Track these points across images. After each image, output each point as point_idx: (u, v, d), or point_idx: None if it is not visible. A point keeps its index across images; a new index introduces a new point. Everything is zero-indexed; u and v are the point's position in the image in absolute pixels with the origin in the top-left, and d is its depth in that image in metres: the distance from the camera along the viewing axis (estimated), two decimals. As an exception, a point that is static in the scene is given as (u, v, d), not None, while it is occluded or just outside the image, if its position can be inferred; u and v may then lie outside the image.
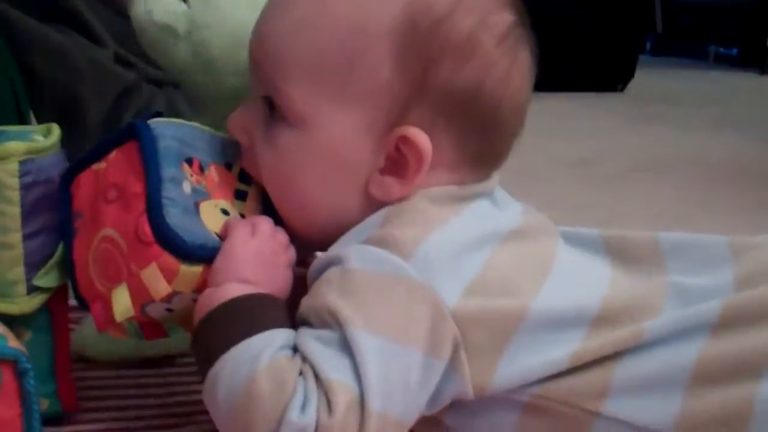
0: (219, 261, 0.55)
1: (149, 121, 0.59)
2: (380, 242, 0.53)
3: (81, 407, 0.69)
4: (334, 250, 0.56)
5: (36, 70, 0.99)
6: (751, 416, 0.50)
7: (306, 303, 0.54)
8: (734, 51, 3.88)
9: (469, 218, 0.57)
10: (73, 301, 0.63)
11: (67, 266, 0.61)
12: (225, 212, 0.59)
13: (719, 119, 2.33)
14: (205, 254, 0.56)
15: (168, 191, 0.56)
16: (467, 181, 0.58)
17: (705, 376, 0.51)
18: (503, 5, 0.58)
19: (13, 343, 0.56)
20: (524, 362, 0.53)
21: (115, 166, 0.59)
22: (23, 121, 0.90)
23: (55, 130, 0.64)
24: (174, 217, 0.55)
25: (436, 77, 0.55)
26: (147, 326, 0.61)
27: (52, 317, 0.65)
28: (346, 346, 0.50)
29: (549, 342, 0.53)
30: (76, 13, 1.02)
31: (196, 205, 0.57)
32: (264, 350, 0.50)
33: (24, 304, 0.63)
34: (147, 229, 0.55)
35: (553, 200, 1.44)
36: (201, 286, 0.56)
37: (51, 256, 0.63)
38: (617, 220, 1.34)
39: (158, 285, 0.55)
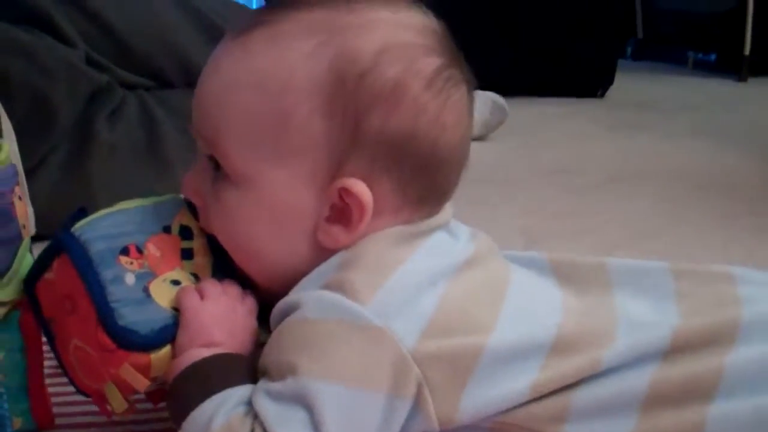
0: (179, 333, 0.57)
1: (74, 229, 0.60)
2: (338, 288, 0.54)
3: (56, 423, 0.69)
4: (293, 295, 0.57)
5: (6, 71, 0.98)
6: None
7: (265, 354, 0.55)
8: (712, 57, 3.91)
9: (425, 255, 0.58)
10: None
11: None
12: (176, 282, 0.60)
13: (697, 126, 2.35)
14: (169, 334, 0.58)
15: (113, 295, 0.57)
16: (414, 221, 0.59)
17: (658, 399, 0.54)
18: (429, 51, 0.59)
19: None
20: (486, 395, 0.54)
21: (60, 278, 0.60)
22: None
23: (5, 146, 0.63)
24: (127, 316, 0.57)
25: (368, 127, 0.57)
26: (150, 396, 0.63)
27: (24, 335, 0.65)
28: (302, 399, 0.51)
29: (508, 373, 0.54)
30: (45, 15, 1.02)
31: (146, 290, 0.59)
32: (217, 411, 0.52)
33: None
34: (106, 338, 0.57)
35: (531, 209, 1.45)
36: None
37: (8, 269, 0.62)
38: (593, 230, 1.34)
39: (137, 379, 0.57)
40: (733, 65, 3.44)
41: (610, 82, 2.88)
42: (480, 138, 2.02)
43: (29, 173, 1.04)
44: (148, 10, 1.16)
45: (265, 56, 0.58)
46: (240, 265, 0.61)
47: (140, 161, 1.08)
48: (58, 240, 0.60)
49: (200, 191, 0.61)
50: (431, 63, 0.59)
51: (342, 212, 0.58)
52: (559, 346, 0.55)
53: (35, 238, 1.12)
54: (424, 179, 0.59)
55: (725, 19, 3.50)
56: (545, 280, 0.62)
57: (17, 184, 0.63)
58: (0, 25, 0.91)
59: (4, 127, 0.85)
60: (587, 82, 2.86)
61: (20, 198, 0.64)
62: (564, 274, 0.62)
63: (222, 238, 0.61)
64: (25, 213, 0.65)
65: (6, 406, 0.56)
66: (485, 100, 2.03)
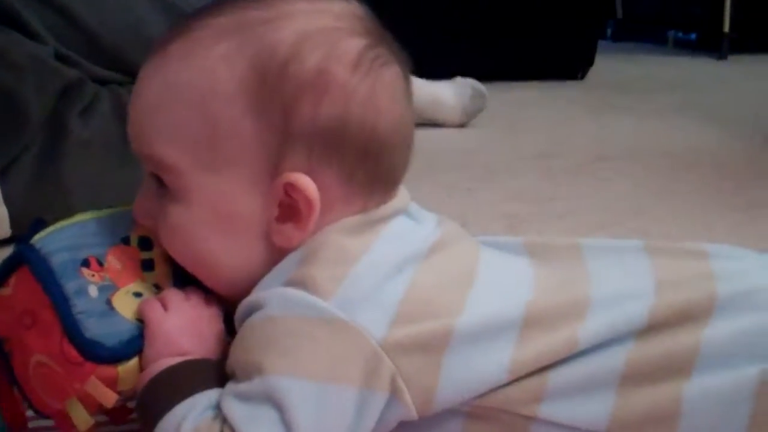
0: (145, 345, 0.57)
1: (33, 240, 0.59)
2: (300, 284, 0.53)
3: (29, 426, 0.68)
4: (255, 295, 0.56)
5: None
6: (680, 414, 0.52)
7: (231, 355, 0.54)
8: (693, 36, 3.91)
9: (387, 242, 0.57)
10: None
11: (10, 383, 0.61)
12: (138, 294, 0.59)
13: (678, 106, 2.35)
14: (135, 346, 0.57)
15: (77, 306, 0.56)
16: (369, 209, 0.58)
17: (634, 377, 0.53)
18: (350, 32, 0.58)
19: None
20: (463, 379, 0.53)
21: (19, 292, 0.58)
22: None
23: None
24: (92, 328, 0.56)
25: (299, 119, 0.56)
26: (113, 414, 0.62)
27: None
28: (270, 398, 0.50)
29: (482, 353, 0.54)
30: (12, 11, 1.01)
31: (109, 302, 0.57)
32: (186, 417, 0.51)
33: None
34: (72, 351, 0.55)
35: (516, 193, 1.45)
36: None
37: None
38: (576, 213, 1.34)
39: (105, 393, 0.56)
40: (713, 44, 3.45)
41: (590, 63, 2.87)
42: (461, 125, 2.01)
43: (1, 174, 1.02)
44: (119, 3, 1.15)
45: (183, 67, 0.57)
46: (200, 279, 0.60)
47: (115, 156, 1.06)
48: (18, 253, 0.58)
49: (150, 212, 0.60)
50: (354, 45, 0.57)
51: (290, 209, 0.57)
52: (531, 322, 0.55)
53: (9, 240, 1.11)
54: (368, 165, 0.58)
55: (704, -2, 3.50)
56: (517, 260, 0.61)
57: None
58: None
59: None
60: (567, 64, 2.85)
61: None
62: (537, 254, 0.61)
63: (176, 256, 0.60)
64: None
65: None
66: (464, 86, 2.02)
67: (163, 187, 0.59)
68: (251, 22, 0.57)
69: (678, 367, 0.53)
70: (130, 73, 1.17)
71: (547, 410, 0.53)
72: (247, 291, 0.57)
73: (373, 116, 0.57)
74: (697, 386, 0.52)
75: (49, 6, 1.06)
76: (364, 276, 0.54)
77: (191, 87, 0.57)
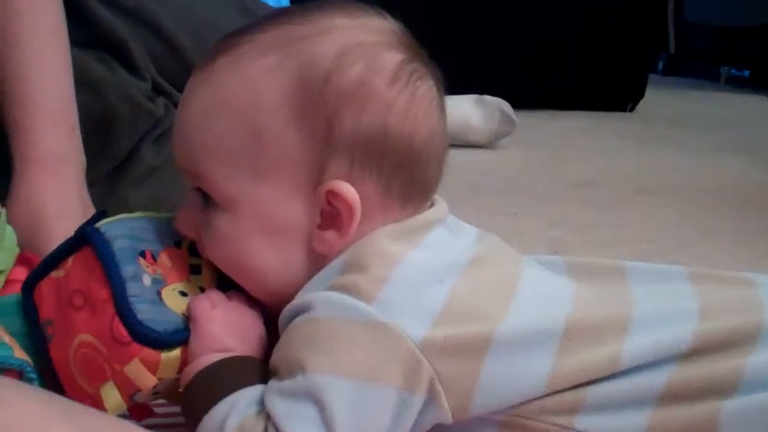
0: (191, 340, 0.58)
1: (98, 225, 0.62)
2: (343, 288, 0.55)
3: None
4: (300, 297, 0.57)
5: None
6: (719, 426, 0.53)
7: (275, 354, 0.56)
8: (746, 73, 3.88)
9: (428, 249, 0.59)
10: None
11: (45, 368, 0.62)
12: (183, 294, 0.61)
13: (727, 143, 2.33)
14: (180, 337, 0.59)
15: (132, 290, 0.58)
16: (405, 217, 0.60)
17: (674, 396, 0.54)
18: (389, 46, 0.60)
19: (18, 353, 0.58)
20: (501, 388, 0.55)
21: (75, 273, 0.60)
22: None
23: None
24: (144, 312, 0.58)
25: (340, 129, 0.58)
26: (135, 410, 0.63)
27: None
28: (311, 395, 0.52)
29: (521, 364, 0.55)
30: (119, 42, 1.04)
31: (159, 294, 0.60)
32: (230, 414, 0.53)
33: None
34: (122, 330, 0.57)
35: (555, 220, 1.45)
36: (183, 367, 0.59)
37: None
38: (619, 242, 1.34)
39: (144, 377, 0.58)
40: (766, 81, 3.41)
41: (640, 96, 2.87)
42: (485, 146, 2.02)
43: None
44: (220, 35, 1.16)
45: (229, 81, 0.59)
46: (243, 287, 0.62)
47: (181, 180, 1.09)
48: (82, 234, 0.61)
49: (193, 224, 0.62)
50: (393, 58, 0.59)
51: (332, 217, 0.58)
52: (571, 336, 0.55)
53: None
54: (404, 174, 0.60)
55: (759, 34, 3.48)
56: (560, 277, 0.62)
57: None
58: (73, 51, 0.92)
59: None
60: (617, 96, 2.85)
61: None
62: (580, 274, 0.62)
63: (220, 264, 0.62)
64: None
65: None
66: (494, 109, 2.03)
67: (207, 198, 0.61)
68: (294, 37, 0.59)
69: (720, 389, 0.54)
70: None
71: (584, 422, 0.54)
72: (288, 297, 0.58)
73: (411, 128, 0.59)
74: (737, 404, 0.53)
75: (156, 35, 1.09)
76: (406, 281, 0.56)
77: (236, 99, 0.59)
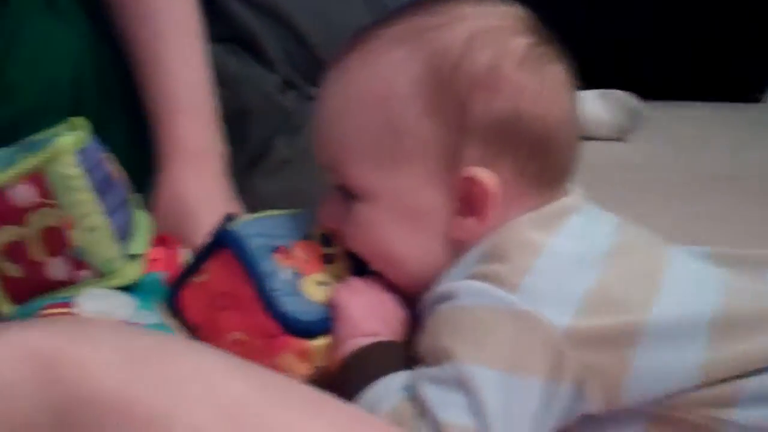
0: (336, 326, 0.60)
1: (231, 227, 0.64)
2: (485, 277, 0.56)
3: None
4: (443, 285, 0.58)
5: None
6: None
7: (421, 341, 0.57)
8: None
9: (568, 237, 0.59)
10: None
11: None
12: (321, 283, 0.63)
13: None
14: (326, 326, 0.61)
15: (273, 284, 0.61)
16: (540, 206, 0.60)
17: None
18: (517, 31, 0.61)
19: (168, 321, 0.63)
20: (651, 376, 0.54)
21: (216, 276, 0.63)
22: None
23: (78, 122, 0.70)
24: (288, 304, 0.60)
25: (473, 115, 0.58)
26: None
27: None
28: (461, 383, 0.53)
29: (672, 352, 0.54)
30: (252, 36, 1.06)
31: (298, 287, 0.62)
32: (383, 398, 0.55)
33: (128, 274, 0.68)
34: (270, 323, 0.60)
35: (687, 214, 1.42)
36: (331, 354, 0.61)
37: (131, 226, 0.69)
38: (757, 236, 1.30)
39: (297, 367, 0.60)
40: None
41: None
42: (618, 139, 1.99)
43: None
44: (352, 31, 1.18)
45: (361, 76, 0.61)
46: (386, 276, 0.63)
47: (311, 171, 1.11)
48: (218, 237, 0.63)
49: (335, 216, 0.64)
50: (522, 42, 0.60)
51: (470, 203, 0.59)
52: (724, 326, 0.54)
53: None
54: (538, 160, 0.60)
55: None
56: (708, 266, 0.61)
57: (104, 152, 0.69)
58: (211, 48, 0.96)
59: None
60: (745, 84, 2.75)
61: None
62: (730, 263, 0.61)
63: (364, 255, 0.63)
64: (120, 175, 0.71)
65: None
66: (620, 102, 2.00)
67: (346, 192, 0.62)
68: (422, 27, 0.60)
69: None
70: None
71: (744, 414, 0.53)
72: (428, 283, 0.60)
73: (543, 110, 0.59)
74: None
75: (288, 29, 1.12)
76: (549, 269, 0.56)
77: (370, 93, 0.60)
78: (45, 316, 0.62)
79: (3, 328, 0.38)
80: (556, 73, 0.61)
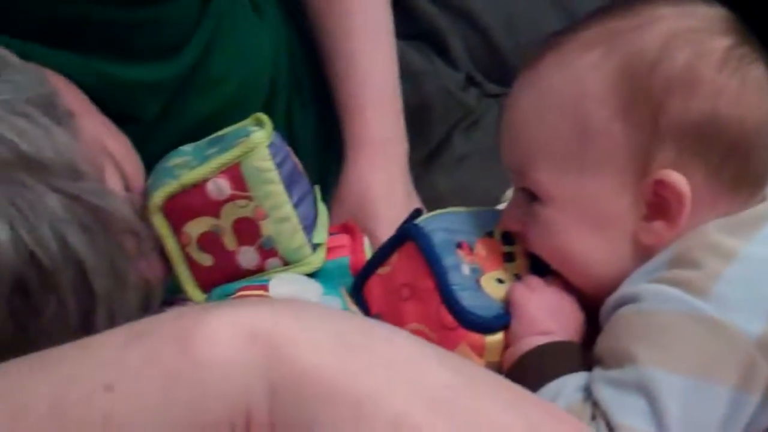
0: (513, 324, 0.61)
1: (417, 221, 0.66)
2: (676, 282, 0.55)
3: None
4: (627, 288, 0.58)
5: None
6: None
7: (600, 343, 0.57)
8: None
9: (763, 243, 0.56)
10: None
11: None
12: (500, 281, 0.64)
13: None
14: (502, 322, 0.61)
15: (454, 279, 0.62)
16: (734, 210, 0.58)
17: None
18: (716, 32, 0.59)
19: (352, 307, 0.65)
20: None
21: (400, 268, 0.65)
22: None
23: (262, 117, 0.72)
24: (467, 299, 0.61)
25: (668, 116, 0.57)
26: None
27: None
28: (642, 388, 0.52)
29: None
30: (439, 35, 1.09)
31: (477, 283, 0.63)
32: (557, 397, 0.55)
33: (314, 262, 0.71)
34: (449, 317, 0.61)
35: None
36: (505, 350, 0.62)
37: (315, 216, 0.72)
38: None
39: (472, 359, 0.61)
40: None
41: None
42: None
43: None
44: (534, 27, 1.18)
45: (554, 78, 0.61)
46: (567, 278, 0.62)
47: (488, 166, 1.12)
48: (404, 231, 0.66)
49: (519, 219, 0.64)
50: (721, 43, 0.58)
51: (660, 207, 0.58)
52: None
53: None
54: (735, 162, 0.58)
55: None
56: None
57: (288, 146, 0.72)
58: (398, 44, 0.99)
59: None
60: None
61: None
62: None
63: (546, 257, 0.63)
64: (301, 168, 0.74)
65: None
66: None
67: (532, 196, 0.62)
68: (618, 30, 0.60)
69: None
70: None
71: None
72: (610, 286, 0.59)
73: (741, 113, 0.57)
74: None
75: (473, 28, 1.13)
76: (741, 277, 0.54)
77: (561, 96, 0.60)
78: (241, 297, 0.66)
79: (213, 307, 0.39)
80: (757, 75, 0.59)
